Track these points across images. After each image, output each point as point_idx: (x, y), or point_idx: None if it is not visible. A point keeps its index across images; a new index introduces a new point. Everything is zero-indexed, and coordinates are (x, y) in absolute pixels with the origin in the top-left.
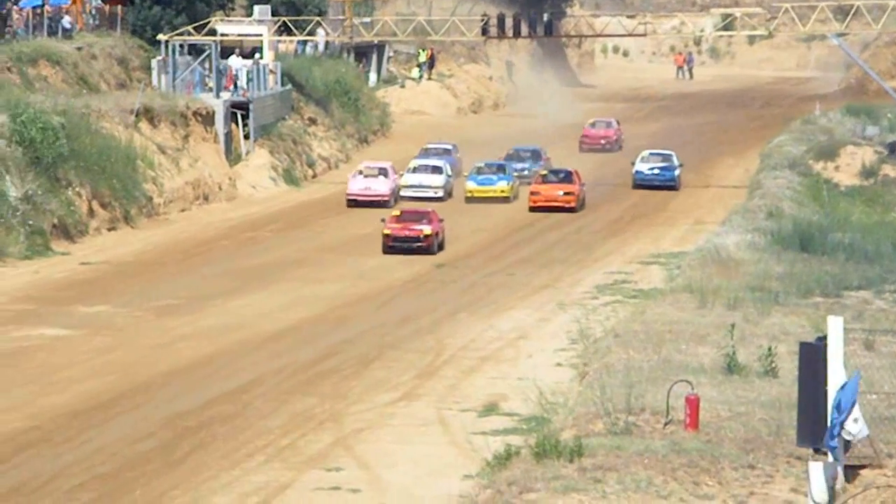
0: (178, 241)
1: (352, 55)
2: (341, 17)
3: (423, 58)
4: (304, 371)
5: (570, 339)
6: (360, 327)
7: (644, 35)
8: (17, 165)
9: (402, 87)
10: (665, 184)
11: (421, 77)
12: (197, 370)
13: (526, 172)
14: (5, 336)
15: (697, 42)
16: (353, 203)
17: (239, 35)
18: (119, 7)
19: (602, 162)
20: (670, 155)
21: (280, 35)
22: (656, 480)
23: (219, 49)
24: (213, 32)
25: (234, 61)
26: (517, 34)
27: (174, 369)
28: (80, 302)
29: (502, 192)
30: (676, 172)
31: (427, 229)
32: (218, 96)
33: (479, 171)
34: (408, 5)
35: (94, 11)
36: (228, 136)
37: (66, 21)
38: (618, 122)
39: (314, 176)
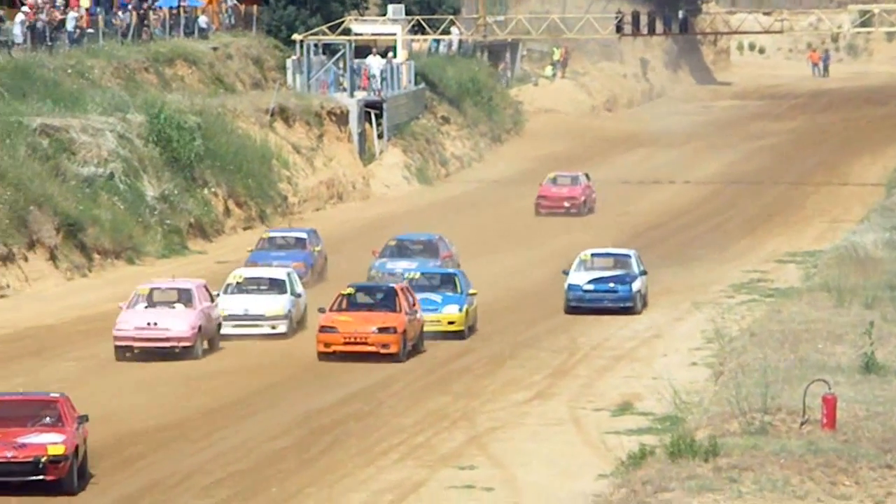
0: None
1: (485, 54)
2: (475, 16)
3: (556, 56)
4: (437, 369)
5: (705, 338)
6: (494, 326)
7: (780, 32)
8: (154, 165)
9: (536, 85)
10: (616, 305)
11: (554, 75)
12: (332, 368)
13: (406, 275)
14: None
15: (835, 39)
16: (127, 352)
17: (373, 34)
18: (254, 7)
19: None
20: (627, 256)
21: (414, 34)
22: (792, 480)
23: (353, 48)
24: (347, 32)
25: (372, 61)
26: (652, 31)
27: (309, 367)
28: None
29: (451, 323)
30: (635, 286)
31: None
32: (352, 96)
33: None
34: (541, 3)
35: (229, 11)
36: (362, 136)
37: (203, 21)
38: (587, 177)
39: (447, 175)
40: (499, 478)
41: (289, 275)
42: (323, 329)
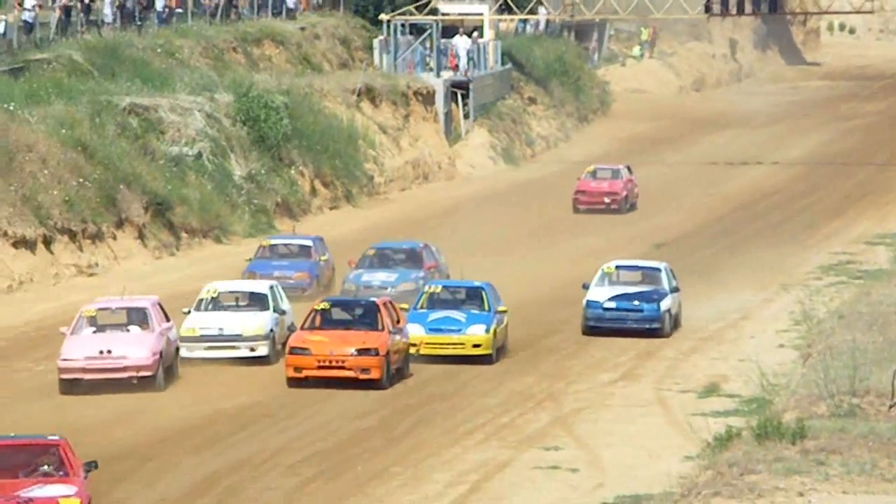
0: (398, 219)
1: (572, 34)
2: None
3: (644, 36)
4: (523, 350)
5: (793, 321)
6: (579, 306)
7: (871, 12)
8: (241, 145)
9: (623, 65)
10: (641, 326)
11: (642, 55)
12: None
13: (389, 290)
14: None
15: None
16: (75, 385)
17: (460, 14)
18: None
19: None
20: (656, 270)
21: (501, 14)
22: (881, 464)
23: (440, 28)
24: (434, 12)
25: (459, 41)
26: (741, 12)
27: None
28: None
29: (476, 346)
30: (664, 305)
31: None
32: (438, 76)
33: (429, 301)
34: None
35: None
36: (448, 116)
37: (290, 1)
38: (629, 170)
39: (533, 155)
40: (584, 459)
41: (272, 288)
42: (294, 350)
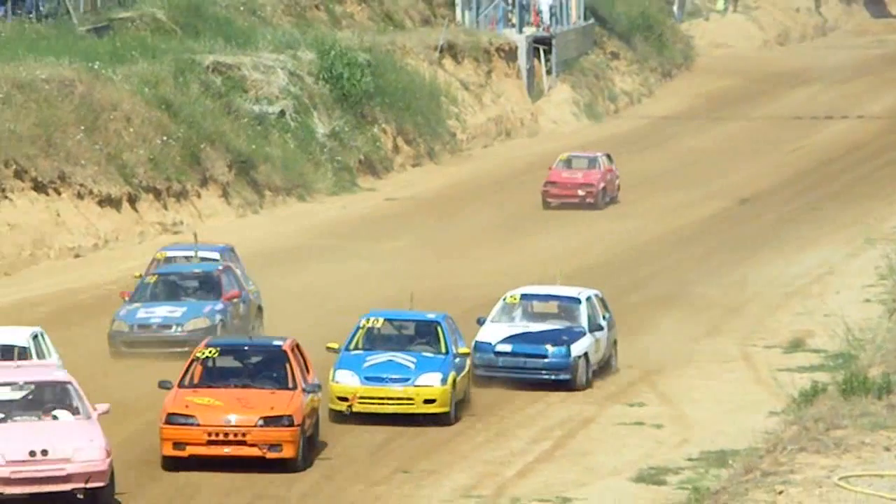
0: (481, 176)
1: None
2: None
3: None
4: (610, 306)
5: (878, 275)
6: (662, 263)
7: None
8: (324, 102)
9: (707, 20)
10: (544, 377)
11: (726, 9)
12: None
13: (175, 330)
14: (311, 270)
15: None
16: None
17: None
18: None
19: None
20: (574, 302)
21: None
22: None
23: None
24: None
25: None
26: None
27: (479, 303)
28: (385, 237)
29: (428, 401)
30: (577, 349)
31: None
32: (521, 32)
33: (367, 340)
34: None
35: None
36: (531, 72)
37: None
38: (609, 158)
39: (616, 111)
40: (668, 415)
41: (36, 338)
42: (171, 419)
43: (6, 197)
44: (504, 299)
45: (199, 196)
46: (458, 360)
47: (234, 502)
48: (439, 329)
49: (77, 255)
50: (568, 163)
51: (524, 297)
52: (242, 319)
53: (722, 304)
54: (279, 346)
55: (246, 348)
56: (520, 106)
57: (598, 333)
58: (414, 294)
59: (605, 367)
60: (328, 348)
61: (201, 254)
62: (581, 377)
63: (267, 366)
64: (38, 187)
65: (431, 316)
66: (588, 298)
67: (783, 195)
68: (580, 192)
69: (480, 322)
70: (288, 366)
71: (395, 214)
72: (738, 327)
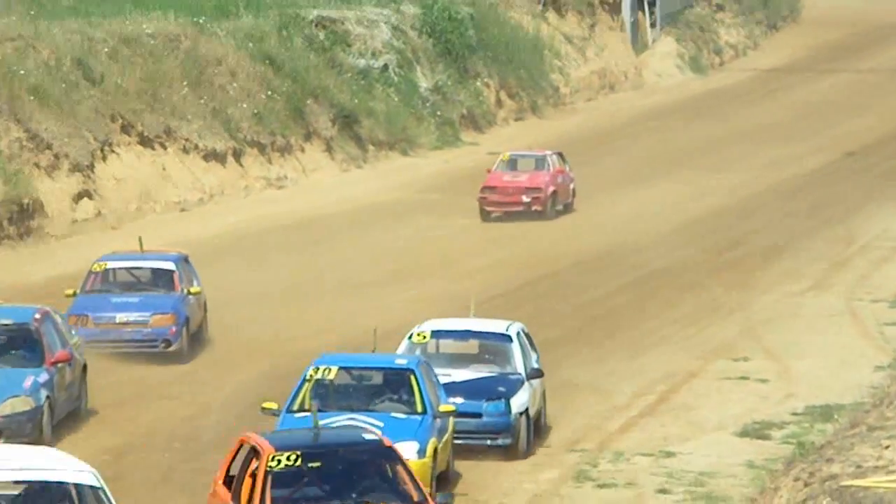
0: (584, 130)
1: None
2: None
3: None
4: (710, 261)
5: None
6: (768, 217)
7: None
8: (427, 56)
9: None
10: (477, 441)
11: None
12: (603, 258)
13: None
14: (414, 225)
15: None
16: None
17: None
18: None
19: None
20: (502, 339)
21: None
22: None
23: None
24: None
25: None
26: None
27: (580, 258)
28: None
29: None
30: (518, 402)
31: None
32: None
33: (318, 393)
34: None
35: None
36: (634, 25)
37: None
38: (562, 157)
39: (721, 63)
40: (773, 369)
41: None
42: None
43: (113, 151)
44: (409, 337)
45: (302, 151)
46: (439, 421)
47: None
48: (412, 379)
49: (182, 210)
50: (511, 164)
51: (435, 334)
52: (69, 388)
53: (828, 258)
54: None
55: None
56: (623, 59)
57: (534, 382)
58: (510, 254)
59: (535, 425)
60: (263, 409)
61: (150, 264)
62: (524, 439)
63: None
64: (145, 142)
65: (402, 362)
66: (518, 334)
67: (891, 148)
68: (524, 199)
69: None
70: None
71: None
72: (844, 281)
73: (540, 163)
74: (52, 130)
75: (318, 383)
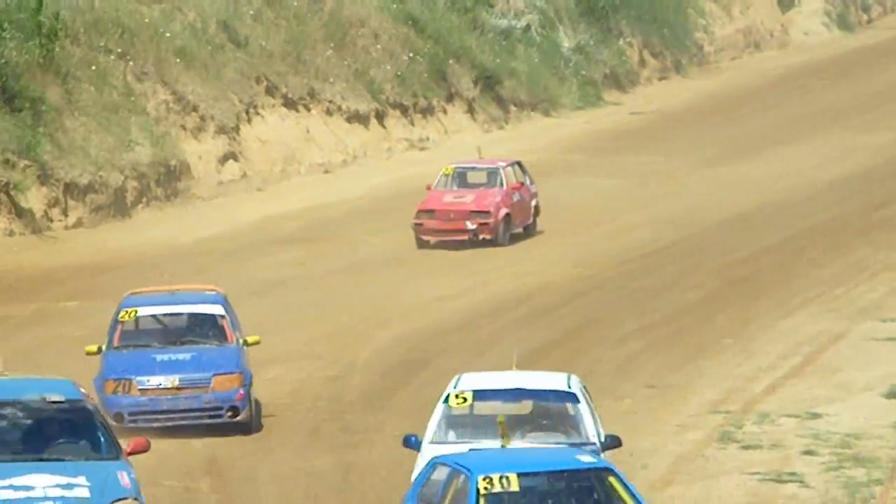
0: (728, 89)
1: None
2: None
3: None
4: (858, 220)
5: None
6: None
7: None
8: (569, 16)
9: None
10: None
11: None
12: (748, 219)
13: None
14: (558, 185)
15: None
16: None
17: None
18: None
19: None
20: (569, 399)
21: None
22: None
23: None
24: None
25: None
26: None
27: (724, 218)
28: (630, 152)
29: None
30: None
31: None
32: None
33: None
34: None
35: None
36: None
37: None
38: (521, 167)
39: (869, 21)
40: None
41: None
42: None
43: (258, 113)
44: (445, 401)
45: (444, 112)
46: None
47: None
48: None
49: (326, 171)
50: (455, 179)
51: (479, 395)
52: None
53: None
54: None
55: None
56: (769, 17)
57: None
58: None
59: None
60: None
61: (193, 309)
62: None
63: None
64: (289, 104)
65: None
66: (582, 390)
67: None
68: (469, 225)
69: (412, 444)
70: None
71: (641, 129)
72: None
73: (491, 177)
74: (198, 93)
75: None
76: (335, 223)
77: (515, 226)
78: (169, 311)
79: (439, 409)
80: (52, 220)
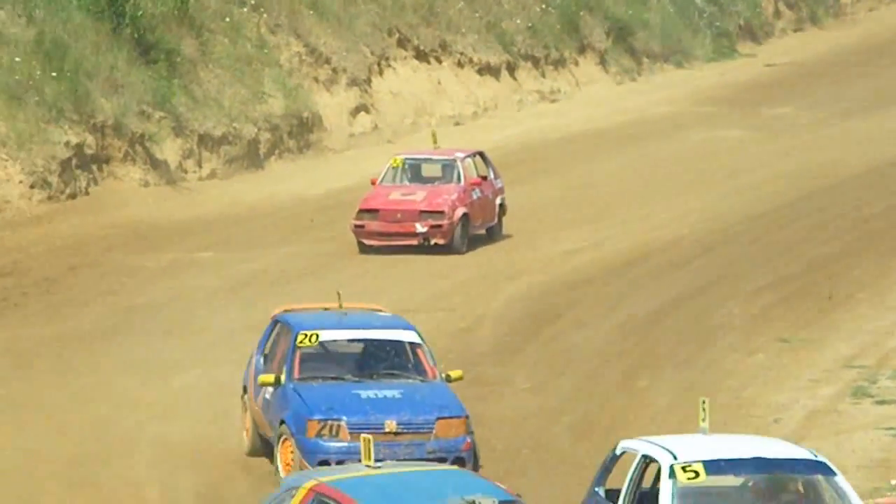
0: (865, 41)
1: None
2: None
3: None
4: None
5: None
6: None
7: None
8: None
9: None
10: None
11: None
12: (884, 172)
13: None
14: (691, 138)
15: None
16: None
17: None
18: None
19: None
20: (823, 479)
21: None
22: None
23: None
24: None
25: None
26: None
27: (860, 171)
28: (764, 104)
29: None
30: None
31: None
32: None
33: None
34: None
35: None
36: None
37: None
38: (484, 158)
39: None
40: None
41: None
42: None
43: (389, 66)
44: (671, 475)
45: (576, 64)
46: None
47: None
48: None
49: (457, 123)
50: (406, 172)
51: (711, 466)
52: None
53: None
54: None
55: None
56: None
57: None
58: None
59: None
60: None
61: (385, 335)
62: None
63: None
64: (420, 56)
65: None
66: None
67: None
68: (419, 228)
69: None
70: None
71: (775, 81)
72: None
73: (447, 171)
74: (331, 45)
75: None
76: None
77: (476, 227)
78: (357, 337)
79: (667, 486)
80: (186, 172)
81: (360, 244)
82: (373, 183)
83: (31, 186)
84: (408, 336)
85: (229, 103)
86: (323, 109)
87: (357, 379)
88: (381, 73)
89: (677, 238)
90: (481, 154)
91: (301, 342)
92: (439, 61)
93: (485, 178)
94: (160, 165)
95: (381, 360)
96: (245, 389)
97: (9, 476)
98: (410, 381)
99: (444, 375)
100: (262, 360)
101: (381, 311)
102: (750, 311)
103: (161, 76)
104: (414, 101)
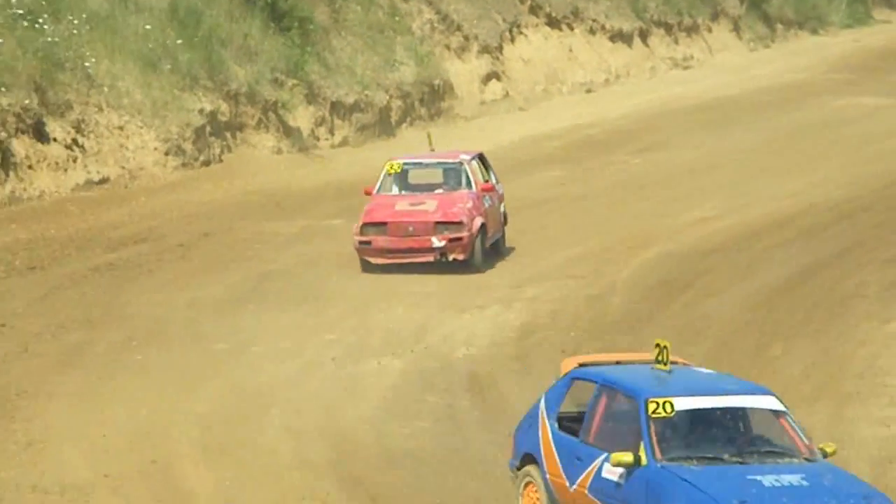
0: None
1: None
2: None
3: None
4: None
5: None
6: None
7: None
8: None
9: None
10: None
11: None
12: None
13: None
14: (824, 105)
15: None
16: None
17: None
18: None
19: None
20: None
21: None
22: None
23: None
24: None
25: None
26: None
27: None
28: None
29: None
30: None
31: None
32: None
33: None
34: None
35: None
36: None
37: None
38: (483, 162)
39: None
40: None
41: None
42: None
43: (521, 33)
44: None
45: (709, 30)
46: None
47: None
48: None
49: (588, 91)
50: (406, 180)
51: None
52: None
53: None
54: None
55: None
56: None
57: None
58: None
59: None
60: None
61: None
62: None
63: None
64: (552, 23)
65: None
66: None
67: None
68: (436, 243)
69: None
70: None
71: None
72: None
73: (452, 176)
74: (463, 12)
75: None
76: (597, 143)
77: (488, 240)
78: (717, 405)
79: None
80: (318, 139)
81: (363, 262)
82: (367, 193)
83: (166, 153)
84: (770, 403)
85: (361, 71)
86: (454, 77)
87: (739, 459)
88: (512, 40)
89: (810, 206)
90: (482, 157)
91: (655, 412)
92: (571, 28)
93: (490, 186)
94: (293, 133)
95: (740, 432)
96: (525, 460)
97: (144, 440)
98: (795, 460)
99: (821, 451)
100: (556, 426)
101: (687, 364)
102: (885, 280)
103: (294, 44)
104: (545, 68)
